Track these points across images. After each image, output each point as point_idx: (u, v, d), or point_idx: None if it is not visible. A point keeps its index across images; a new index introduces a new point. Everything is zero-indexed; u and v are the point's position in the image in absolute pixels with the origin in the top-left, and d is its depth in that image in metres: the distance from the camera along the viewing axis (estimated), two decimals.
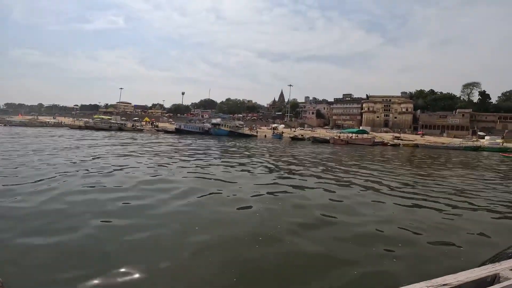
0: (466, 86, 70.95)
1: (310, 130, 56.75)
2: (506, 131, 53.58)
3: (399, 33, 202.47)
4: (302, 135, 40.08)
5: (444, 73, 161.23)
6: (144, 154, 12.44)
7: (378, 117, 69.84)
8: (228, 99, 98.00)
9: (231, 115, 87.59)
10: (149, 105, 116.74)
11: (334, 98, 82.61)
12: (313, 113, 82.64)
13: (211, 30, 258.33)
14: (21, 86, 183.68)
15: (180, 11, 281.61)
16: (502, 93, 71.23)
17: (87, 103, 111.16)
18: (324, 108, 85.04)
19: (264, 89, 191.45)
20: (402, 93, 74.35)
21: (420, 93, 73.95)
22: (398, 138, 43.14)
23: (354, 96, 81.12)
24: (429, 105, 69.83)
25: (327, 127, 69.19)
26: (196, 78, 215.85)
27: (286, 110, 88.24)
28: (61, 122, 63.22)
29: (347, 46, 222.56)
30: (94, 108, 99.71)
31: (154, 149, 15.31)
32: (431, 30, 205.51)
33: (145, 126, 51.01)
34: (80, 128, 41.25)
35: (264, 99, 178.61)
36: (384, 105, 69.81)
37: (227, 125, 38.03)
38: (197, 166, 9.30)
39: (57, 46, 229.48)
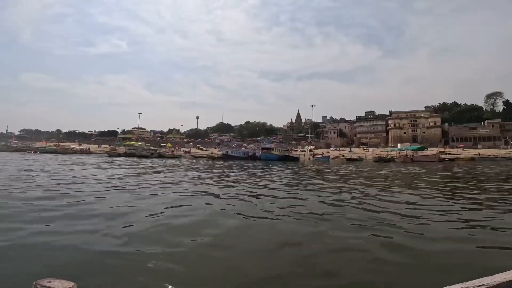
0: (489, 96, 70.79)
1: (347, 150, 55.50)
2: None
3: (397, 44, 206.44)
4: (355, 156, 38.84)
5: (446, 83, 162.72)
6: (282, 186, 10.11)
7: (405, 133, 68.87)
8: (247, 122, 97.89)
9: (249, 139, 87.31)
10: (164, 130, 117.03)
11: (357, 117, 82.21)
12: (335, 132, 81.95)
13: (212, 52, 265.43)
14: (32, 112, 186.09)
15: (182, 34, 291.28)
16: None
17: (98, 129, 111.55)
18: (345, 127, 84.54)
19: (271, 110, 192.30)
20: (426, 107, 74.01)
21: (444, 106, 73.60)
22: (443, 152, 41.72)
23: (377, 113, 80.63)
24: (455, 117, 69.07)
25: (353, 146, 68.21)
26: (201, 102, 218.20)
27: (306, 131, 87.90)
28: (88, 148, 62.75)
29: (347, 61, 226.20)
30: (112, 134, 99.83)
31: (257, 180, 13.77)
32: (428, 39, 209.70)
33: (177, 152, 50.04)
34: (119, 155, 40.28)
35: (272, 120, 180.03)
36: (411, 121, 69.09)
37: (277, 149, 37.05)
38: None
39: (65, 71, 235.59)
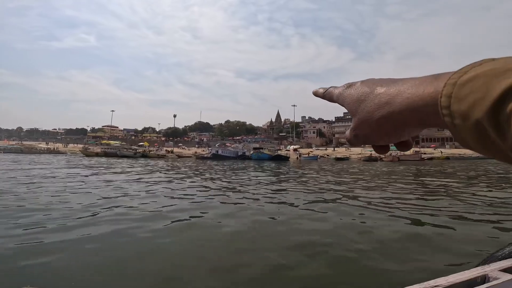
0: None
1: (331, 149, 57.11)
2: None
3: (368, 47, 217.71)
4: (340, 155, 39.93)
5: None
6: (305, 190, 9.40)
7: None
8: (227, 121, 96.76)
9: (230, 138, 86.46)
10: (139, 128, 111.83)
11: (335, 117, 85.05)
12: (314, 132, 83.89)
13: (187, 50, 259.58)
14: None
15: (155, 30, 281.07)
16: None
17: (63, 127, 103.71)
18: (324, 127, 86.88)
19: (247, 109, 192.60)
20: None
21: None
22: (418, 152, 44.53)
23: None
24: None
25: (331, 145, 70.31)
26: (175, 100, 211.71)
27: (287, 131, 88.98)
28: (57, 148, 57.85)
29: (321, 62, 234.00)
30: (81, 132, 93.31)
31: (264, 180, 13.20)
32: (396, 43, 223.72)
33: (159, 152, 47.96)
34: (97, 155, 37.56)
35: (249, 119, 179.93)
36: None
37: (269, 149, 36.97)
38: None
39: (25, 66, 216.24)
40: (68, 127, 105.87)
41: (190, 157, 45.01)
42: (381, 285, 2.57)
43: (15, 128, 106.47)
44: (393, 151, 35.43)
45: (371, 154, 34.51)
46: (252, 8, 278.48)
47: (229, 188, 8.72)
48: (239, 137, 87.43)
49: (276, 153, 35.14)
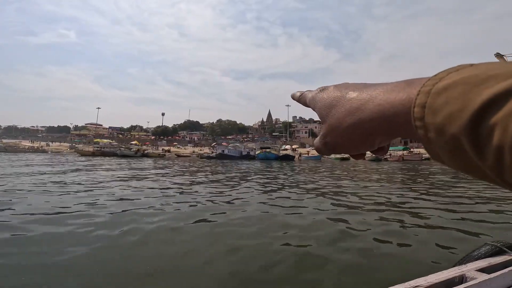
0: None
1: None
2: None
3: (354, 48, 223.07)
4: (346, 156, 40.48)
5: None
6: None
7: None
8: (219, 120, 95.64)
9: (222, 137, 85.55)
10: (124, 126, 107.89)
11: None
12: (306, 132, 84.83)
13: (174, 47, 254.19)
14: None
15: (140, 26, 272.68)
16: None
17: (41, 124, 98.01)
18: (315, 127, 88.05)
19: (234, 108, 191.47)
20: None
21: None
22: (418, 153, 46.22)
23: None
24: None
25: None
26: (160, 98, 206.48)
27: (279, 130, 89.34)
28: (42, 146, 54.61)
29: (308, 63, 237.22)
30: (63, 130, 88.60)
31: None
32: (381, 44, 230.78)
33: (153, 151, 46.51)
34: (94, 154, 35.74)
35: (237, 118, 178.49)
36: None
37: (275, 149, 36.87)
38: None
39: (0, 61, 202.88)
40: (47, 125, 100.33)
41: (189, 156, 44.02)
42: (364, 284, 2.52)
43: None
44: (398, 151, 36.71)
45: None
46: (241, 6, 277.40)
47: (328, 194, 8.42)
48: (231, 137, 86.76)
49: (284, 154, 35.04)
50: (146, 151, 38.85)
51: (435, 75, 0.19)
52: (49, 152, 45.75)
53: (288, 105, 74.85)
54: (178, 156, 43.02)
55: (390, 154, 34.70)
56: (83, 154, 35.85)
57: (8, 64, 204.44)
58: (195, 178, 11.11)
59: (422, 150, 51.09)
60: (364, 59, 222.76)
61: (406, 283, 1.00)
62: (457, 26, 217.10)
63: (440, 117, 0.18)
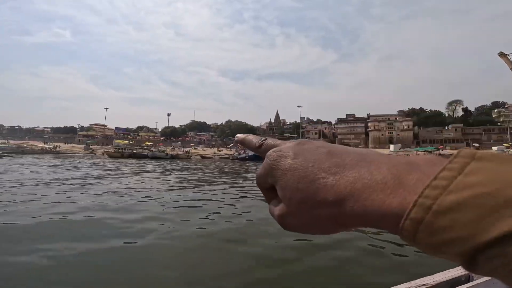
0: (451, 103, 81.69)
1: None
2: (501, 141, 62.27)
3: (351, 49, 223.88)
4: None
5: (388, 88, 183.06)
6: None
7: (382, 135, 75.02)
8: (228, 121, 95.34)
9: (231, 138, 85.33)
10: (129, 127, 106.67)
11: (338, 119, 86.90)
12: (316, 133, 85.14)
13: (170, 47, 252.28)
14: None
15: (136, 25, 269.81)
16: (475, 108, 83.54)
17: (38, 125, 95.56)
18: (325, 128, 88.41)
19: (232, 109, 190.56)
20: (399, 111, 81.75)
21: (413, 112, 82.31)
22: (430, 152, 46.75)
23: (343, 116, 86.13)
24: (422, 122, 77.84)
25: None
26: (156, 98, 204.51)
27: (289, 131, 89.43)
28: (56, 146, 53.65)
29: (305, 63, 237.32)
30: (70, 131, 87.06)
31: None
32: (379, 45, 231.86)
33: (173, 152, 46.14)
34: (122, 156, 35.23)
35: (240, 119, 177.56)
36: (387, 124, 75.55)
37: None
38: None
39: None
40: (44, 125, 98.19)
41: (212, 158, 43.72)
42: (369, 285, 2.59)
43: None
44: (435, 151, 37.02)
45: (417, 154, 35.74)
46: (238, 5, 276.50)
47: None
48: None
49: None
50: (176, 153, 38.48)
51: (441, 173, 0.16)
52: (96, 155, 44.83)
53: (300, 106, 75.14)
54: (202, 157, 42.72)
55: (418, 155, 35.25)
56: (112, 156, 35.27)
57: (3, 64, 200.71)
58: None
59: (451, 151, 51.50)
60: (362, 59, 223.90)
61: (412, 282, 1.00)
62: (456, 26, 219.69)
63: (438, 239, 0.15)
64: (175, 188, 8.33)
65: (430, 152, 38.03)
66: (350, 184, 0.19)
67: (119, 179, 10.44)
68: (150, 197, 6.58)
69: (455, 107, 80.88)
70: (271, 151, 0.26)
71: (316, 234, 0.23)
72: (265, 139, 0.30)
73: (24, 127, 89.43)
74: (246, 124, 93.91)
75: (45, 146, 53.48)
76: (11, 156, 29.06)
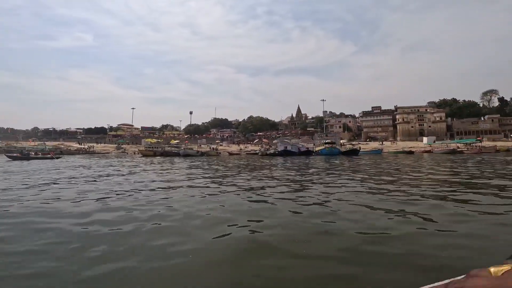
0: (485, 93, 76.54)
1: (365, 143, 56.62)
2: None
3: (371, 40, 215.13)
4: (409, 149, 39.55)
5: (412, 79, 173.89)
6: None
7: (412, 127, 71.75)
8: (250, 117, 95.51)
9: (256, 134, 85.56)
10: (155, 126, 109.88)
11: (363, 111, 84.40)
12: (340, 127, 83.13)
13: (186, 46, 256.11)
14: None
15: (152, 26, 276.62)
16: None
17: (63, 127, 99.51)
18: (349, 122, 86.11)
19: (250, 105, 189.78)
20: (429, 102, 77.76)
21: (444, 102, 77.93)
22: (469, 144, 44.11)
23: (370, 108, 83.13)
24: (455, 113, 73.48)
25: (361, 139, 70.00)
26: (176, 98, 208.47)
27: (312, 126, 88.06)
28: (91, 146, 56.50)
29: (323, 56, 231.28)
30: (101, 132, 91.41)
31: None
32: (401, 35, 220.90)
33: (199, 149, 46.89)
34: (155, 155, 36.29)
35: (262, 114, 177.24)
36: (417, 116, 72.09)
37: (338, 144, 36.28)
38: None
39: (22, 66, 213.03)
40: (74, 126, 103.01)
41: (239, 154, 43.94)
42: None
43: (30, 129, 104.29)
44: (476, 143, 35.31)
45: (457, 146, 34.27)
46: (250, 1, 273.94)
47: None
48: (262, 133, 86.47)
49: (353, 148, 34.13)
50: (207, 151, 39.21)
51: None
52: (134, 154, 46.60)
53: (323, 100, 73.54)
54: (230, 154, 43.07)
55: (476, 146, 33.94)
56: (145, 154, 36.44)
57: (33, 69, 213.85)
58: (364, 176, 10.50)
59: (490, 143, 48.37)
60: (383, 50, 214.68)
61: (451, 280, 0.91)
62: (484, 14, 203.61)
63: None
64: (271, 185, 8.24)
65: (469, 144, 35.76)
66: None
67: (204, 177, 10.41)
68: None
69: (491, 97, 75.71)
70: None
71: None
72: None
73: (58, 129, 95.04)
74: (268, 120, 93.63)
75: (81, 146, 56.43)
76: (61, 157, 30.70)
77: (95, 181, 9.37)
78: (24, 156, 24.95)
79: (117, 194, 6.53)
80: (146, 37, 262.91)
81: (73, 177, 10.55)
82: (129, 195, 6.38)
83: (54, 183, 8.73)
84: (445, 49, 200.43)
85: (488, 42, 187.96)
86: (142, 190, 7.20)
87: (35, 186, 8.18)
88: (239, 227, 3.77)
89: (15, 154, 26.10)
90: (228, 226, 3.83)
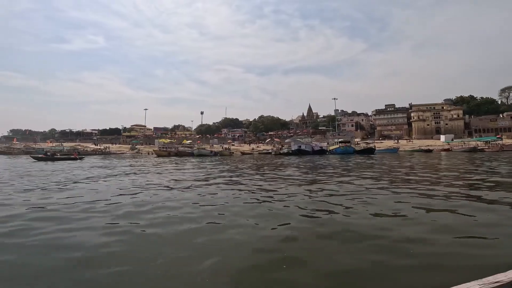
0: (504, 90, 73.88)
1: (379, 142, 55.63)
2: None
3: (381, 37, 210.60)
4: (426, 147, 38.64)
5: (426, 77, 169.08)
6: None
7: (428, 125, 69.97)
8: (261, 116, 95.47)
9: (267, 133, 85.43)
10: (165, 127, 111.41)
11: (376, 110, 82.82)
12: (352, 125, 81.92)
13: (195, 47, 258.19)
14: (8, 112, 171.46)
15: (161, 28, 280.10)
16: None
17: (77, 128, 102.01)
18: (362, 120, 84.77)
19: (259, 105, 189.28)
20: (445, 100, 75.67)
21: (461, 99, 75.65)
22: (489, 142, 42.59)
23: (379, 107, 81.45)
24: (473, 110, 71.20)
25: (374, 138, 68.67)
26: (186, 98, 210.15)
27: (324, 124, 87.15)
28: (107, 147, 57.72)
29: (332, 54, 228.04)
30: (115, 132, 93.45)
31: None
32: (411, 32, 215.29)
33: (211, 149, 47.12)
34: (169, 155, 36.74)
35: (271, 113, 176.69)
36: (433, 113, 70.22)
37: (354, 143, 35.84)
38: None
39: (37, 69, 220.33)
40: (89, 128, 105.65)
41: (251, 153, 43.93)
42: None
43: (47, 130, 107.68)
44: (497, 141, 34.27)
45: (477, 144, 33.24)
46: (257, 0, 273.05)
47: None
48: (273, 132, 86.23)
49: (369, 147, 33.51)
50: (220, 151, 39.43)
51: None
52: (149, 154, 47.24)
53: (335, 99, 72.66)
54: (243, 153, 43.15)
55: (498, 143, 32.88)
56: (160, 155, 36.93)
57: (48, 71, 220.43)
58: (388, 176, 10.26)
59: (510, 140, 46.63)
60: (394, 48, 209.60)
61: (485, 279, 0.95)
62: (499, 10, 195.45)
63: None
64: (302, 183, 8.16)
65: (489, 142, 34.54)
66: None
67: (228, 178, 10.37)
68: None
69: (509, 93, 72.92)
70: None
71: None
72: None
73: (74, 130, 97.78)
74: (278, 119, 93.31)
75: (97, 147, 57.75)
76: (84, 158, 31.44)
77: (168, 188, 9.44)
78: (49, 157, 25.42)
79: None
80: (156, 38, 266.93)
81: (157, 183, 8.96)
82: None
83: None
84: (459, 46, 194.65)
85: (504, 38, 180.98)
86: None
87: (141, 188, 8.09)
88: None
89: (40, 155, 26.84)
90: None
